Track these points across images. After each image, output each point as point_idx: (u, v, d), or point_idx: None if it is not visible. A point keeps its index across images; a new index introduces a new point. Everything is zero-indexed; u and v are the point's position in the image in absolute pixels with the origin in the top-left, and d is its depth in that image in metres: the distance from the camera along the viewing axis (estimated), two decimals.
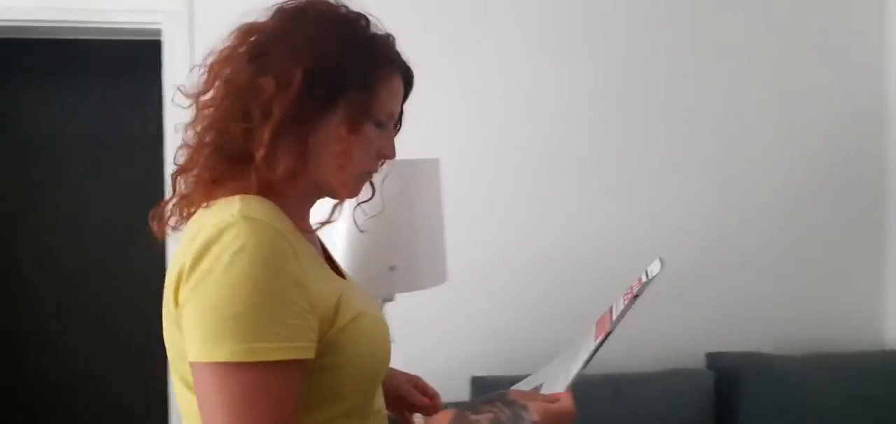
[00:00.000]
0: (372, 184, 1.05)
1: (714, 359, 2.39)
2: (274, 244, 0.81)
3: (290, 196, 0.92)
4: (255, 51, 0.90)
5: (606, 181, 2.49)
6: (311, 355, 0.83)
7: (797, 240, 2.60)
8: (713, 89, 2.53)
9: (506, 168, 2.44)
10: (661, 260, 0.99)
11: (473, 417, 0.89)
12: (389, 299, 1.48)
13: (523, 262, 2.44)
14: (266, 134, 0.86)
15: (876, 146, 2.62)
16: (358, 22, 0.94)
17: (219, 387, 0.78)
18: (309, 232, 0.96)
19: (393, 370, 1.15)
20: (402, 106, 1.01)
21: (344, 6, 0.95)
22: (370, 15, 0.96)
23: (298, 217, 0.94)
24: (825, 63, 2.58)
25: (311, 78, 0.88)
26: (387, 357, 0.97)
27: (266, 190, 0.88)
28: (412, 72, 1.00)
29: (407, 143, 2.35)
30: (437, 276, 1.47)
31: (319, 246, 1.02)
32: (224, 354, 0.77)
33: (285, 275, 0.81)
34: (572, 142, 2.47)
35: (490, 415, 0.89)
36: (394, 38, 0.98)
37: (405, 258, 1.39)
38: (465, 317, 2.40)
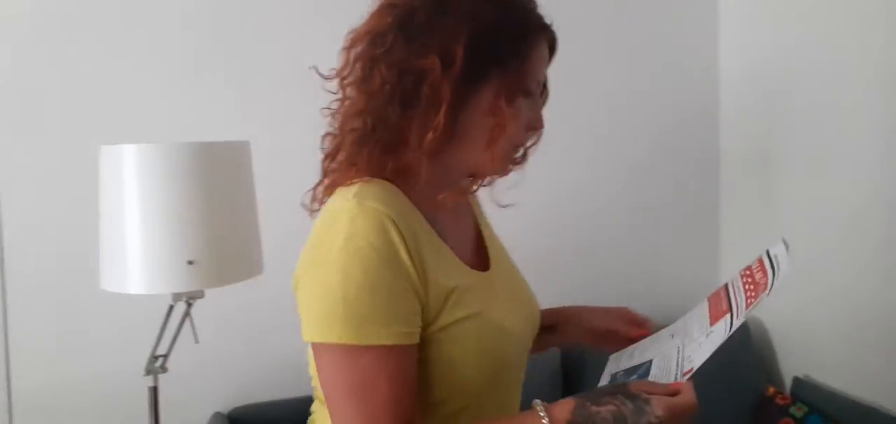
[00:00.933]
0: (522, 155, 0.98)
1: None
2: (383, 232, 0.82)
3: (429, 175, 0.89)
4: (411, 29, 0.85)
5: None
6: (414, 342, 0.84)
7: (640, 218, 2.69)
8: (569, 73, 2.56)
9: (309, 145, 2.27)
10: (786, 242, 0.98)
11: (595, 408, 0.85)
12: (196, 297, 1.37)
13: None
14: (440, 119, 0.83)
15: (711, 130, 2.77)
16: (505, 9, 0.88)
17: (332, 367, 0.84)
18: (443, 212, 0.93)
19: (601, 309, 1.18)
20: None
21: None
22: None
23: (432, 198, 0.91)
24: (665, 51, 2.69)
25: (471, 52, 0.83)
26: (500, 363, 0.94)
27: (403, 172, 0.87)
28: (555, 33, 0.94)
29: (212, 125, 2.21)
30: (250, 268, 1.37)
31: (467, 224, 1.01)
32: (335, 336, 0.82)
33: (393, 264, 0.82)
34: None
35: (612, 407, 0.85)
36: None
37: (210, 251, 1.28)
38: None
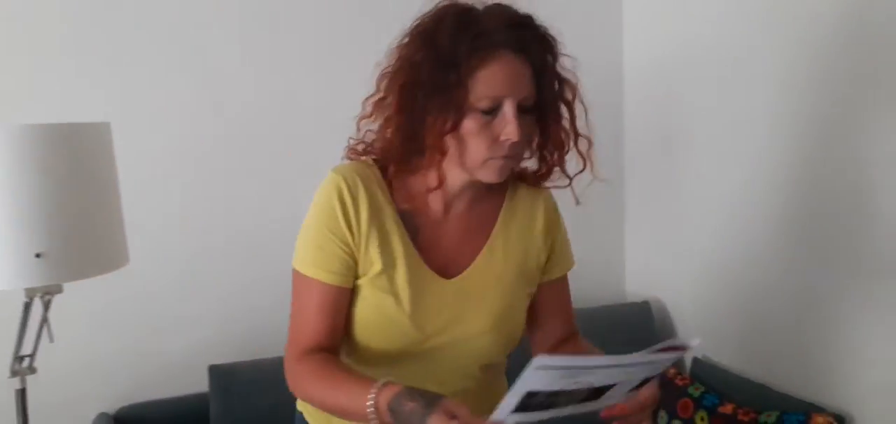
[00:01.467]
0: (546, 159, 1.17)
1: None
2: (333, 192, 1.06)
3: (428, 181, 1.08)
4: (383, 70, 1.08)
5: (308, 151, 2.27)
6: (332, 282, 1.06)
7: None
8: None
9: (195, 136, 2.16)
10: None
11: (405, 402, 0.91)
12: (53, 292, 1.26)
13: (233, 238, 2.24)
14: (390, 135, 1.06)
15: (615, 118, 2.79)
16: (444, 22, 1.01)
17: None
18: (425, 216, 1.10)
19: None
20: (533, 71, 1.04)
21: (439, 14, 1.02)
22: (465, 4, 1.03)
23: (422, 198, 1.09)
24: (573, 45, 2.65)
25: (405, 92, 1.02)
26: (395, 348, 1.09)
27: (401, 173, 1.08)
28: (521, 29, 1.02)
29: (67, 105, 2.06)
30: (112, 260, 1.27)
31: (461, 237, 1.13)
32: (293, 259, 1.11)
33: (330, 219, 1.06)
34: (261, 108, 2.23)
35: (413, 405, 0.90)
36: (495, 20, 1.01)
37: (63, 242, 1.17)
38: (200, 303, 2.20)
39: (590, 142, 1.18)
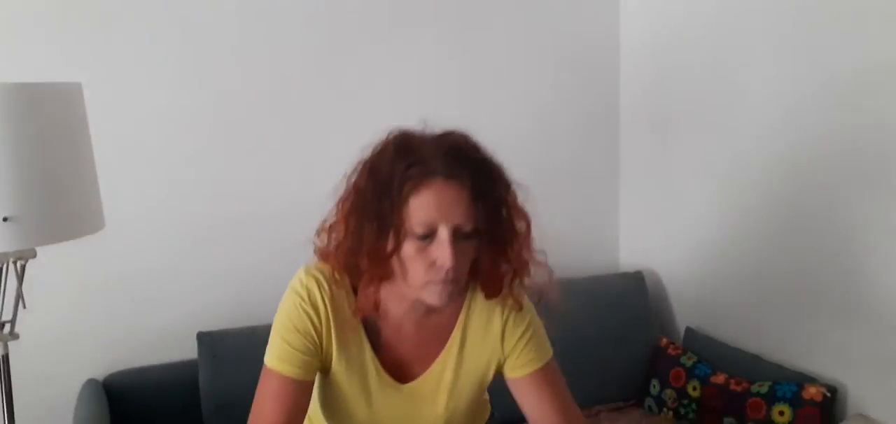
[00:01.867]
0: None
1: None
2: (303, 291, 1.13)
3: (384, 296, 1.13)
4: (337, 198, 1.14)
5: (297, 119, 2.29)
6: (292, 375, 1.12)
7: (546, 174, 2.66)
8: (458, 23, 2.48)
9: (183, 102, 2.13)
10: None
11: None
12: (26, 256, 1.25)
13: (208, 204, 2.21)
14: (340, 256, 1.12)
15: (612, 92, 2.75)
16: (387, 150, 1.07)
17: None
18: (386, 323, 1.17)
19: None
20: (465, 197, 1.05)
21: (394, 139, 1.08)
22: (407, 132, 1.09)
23: (396, 301, 1.14)
24: (570, 20, 2.65)
25: (351, 218, 1.08)
26: (346, 420, 1.21)
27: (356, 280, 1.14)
28: (454, 157, 1.05)
29: (35, 65, 2.02)
30: (87, 223, 1.25)
31: (419, 345, 1.19)
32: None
33: (298, 317, 1.13)
34: (250, 75, 2.20)
35: None
36: (425, 145, 1.06)
37: (33, 205, 1.15)
38: (188, 271, 2.19)
39: (541, 264, 1.21)
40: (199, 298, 2.19)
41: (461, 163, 1.05)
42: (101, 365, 2.07)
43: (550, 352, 1.29)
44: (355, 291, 1.14)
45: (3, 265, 1.31)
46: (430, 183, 1.03)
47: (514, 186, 1.13)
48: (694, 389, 2.27)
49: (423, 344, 1.19)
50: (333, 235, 1.12)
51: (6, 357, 1.57)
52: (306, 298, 1.13)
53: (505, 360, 1.23)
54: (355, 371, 1.17)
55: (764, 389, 2.09)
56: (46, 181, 1.16)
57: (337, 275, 1.12)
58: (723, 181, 2.38)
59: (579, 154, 2.73)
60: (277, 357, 1.12)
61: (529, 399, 1.24)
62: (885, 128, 1.87)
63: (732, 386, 2.17)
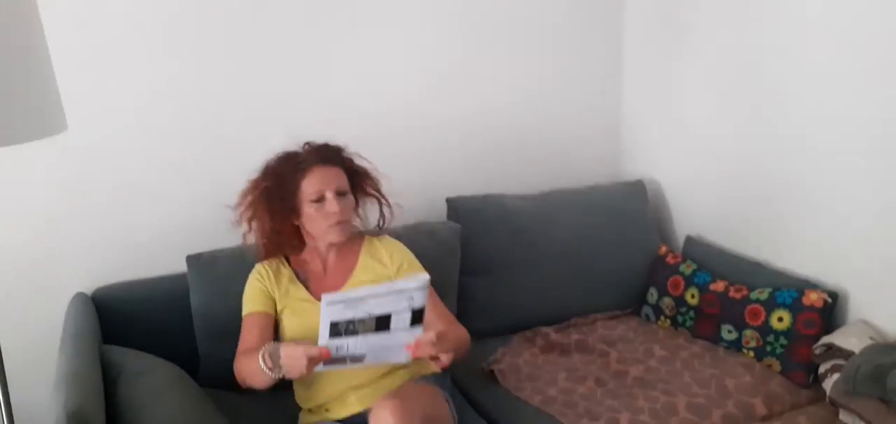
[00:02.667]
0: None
1: (453, 203, 2.33)
2: (255, 272, 1.80)
3: (304, 246, 1.81)
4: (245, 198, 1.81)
5: (288, 22, 2.19)
6: (257, 309, 1.76)
7: (540, 83, 2.57)
8: None
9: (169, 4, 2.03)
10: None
11: (273, 348, 1.56)
12: None
13: (212, 117, 2.14)
14: (263, 237, 1.80)
15: None
16: (278, 163, 1.77)
17: None
18: (309, 267, 1.81)
19: None
20: (342, 170, 1.76)
21: (279, 157, 1.77)
22: (299, 148, 1.79)
23: (303, 258, 1.82)
24: None
25: (271, 202, 1.74)
26: (302, 333, 1.71)
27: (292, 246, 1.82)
28: (324, 152, 1.76)
29: None
30: (46, 124, 1.17)
31: (336, 275, 1.80)
32: None
33: (253, 283, 1.78)
34: None
35: (275, 345, 1.57)
36: (309, 146, 1.78)
37: None
38: (175, 181, 2.12)
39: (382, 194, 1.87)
40: (187, 212, 2.13)
41: (330, 153, 1.76)
42: (89, 280, 2.03)
43: (427, 275, 1.66)
44: (289, 262, 1.81)
45: None
46: (314, 168, 1.71)
47: (370, 168, 1.83)
48: (692, 297, 2.24)
49: (338, 278, 1.78)
50: (255, 225, 1.78)
51: None
52: (257, 272, 1.80)
53: (397, 272, 1.78)
54: (297, 304, 1.76)
55: (764, 295, 2.06)
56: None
57: (277, 259, 1.81)
58: (727, 86, 2.29)
59: (581, 57, 2.62)
60: (247, 306, 1.77)
61: None
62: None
63: (732, 293, 2.14)
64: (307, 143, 1.78)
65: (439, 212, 2.35)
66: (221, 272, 1.96)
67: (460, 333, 1.75)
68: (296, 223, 1.74)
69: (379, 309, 1.42)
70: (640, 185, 2.56)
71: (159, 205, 2.12)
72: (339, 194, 1.71)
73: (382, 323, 1.44)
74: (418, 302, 1.44)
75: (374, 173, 1.83)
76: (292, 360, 1.48)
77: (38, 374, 1.94)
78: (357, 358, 1.50)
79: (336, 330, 1.43)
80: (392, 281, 1.49)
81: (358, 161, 1.81)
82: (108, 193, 2.05)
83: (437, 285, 2.09)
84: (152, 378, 1.66)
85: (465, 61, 2.44)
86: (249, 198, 1.76)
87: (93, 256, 2.06)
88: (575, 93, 2.64)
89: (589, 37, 2.62)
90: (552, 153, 2.65)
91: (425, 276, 1.42)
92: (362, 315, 1.42)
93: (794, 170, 2.10)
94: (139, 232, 2.10)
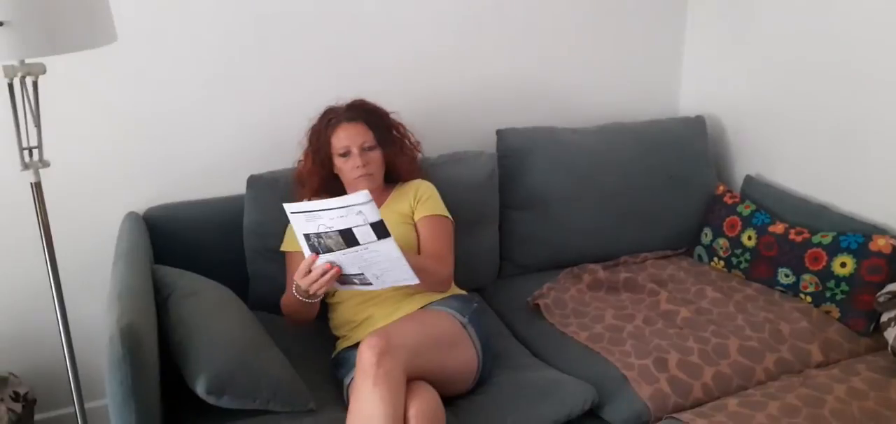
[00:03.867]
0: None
1: (503, 134, 2.28)
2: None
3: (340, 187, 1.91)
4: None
5: None
6: (295, 249, 1.77)
7: (599, 23, 2.46)
8: None
9: None
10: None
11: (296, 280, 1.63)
12: (36, 71, 1.17)
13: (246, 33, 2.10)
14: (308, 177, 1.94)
15: None
16: (319, 117, 1.93)
17: None
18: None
19: None
20: (362, 129, 1.86)
21: (323, 112, 1.93)
22: (332, 105, 1.93)
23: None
24: None
25: (310, 149, 1.92)
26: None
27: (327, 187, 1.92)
28: (350, 110, 1.90)
29: None
30: (96, 34, 1.15)
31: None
32: None
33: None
34: None
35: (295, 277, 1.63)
36: (339, 107, 1.92)
37: (29, 8, 1.05)
38: (230, 103, 2.12)
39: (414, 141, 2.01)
40: (241, 133, 2.14)
41: (357, 110, 1.89)
42: (141, 199, 2.06)
43: (446, 213, 1.89)
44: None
45: (10, 80, 1.24)
46: (340, 125, 1.86)
47: (392, 114, 1.95)
48: (749, 238, 2.15)
49: None
50: (299, 167, 1.95)
51: (38, 185, 1.54)
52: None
53: (414, 209, 1.88)
54: None
55: (827, 239, 1.96)
56: None
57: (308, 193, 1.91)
58: (796, 19, 2.14)
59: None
60: (287, 244, 1.90)
61: (421, 234, 1.85)
62: None
63: (792, 236, 2.05)
64: (344, 105, 1.92)
65: (491, 146, 2.30)
66: (279, 192, 1.97)
67: (439, 270, 1.76)
68: (331, 169, 1.88)
69: (338, 224, 1.46)
70: (700, 121, 2.45)
71: (209, 129, 2.11)
72: (365, 149, 1.83)
73: (348, 237, 1.48)
74: (370, 215, 1.44)
75: (395, 120, 1.94)
76: (301, 277, 1.57)
77: (93, 289, 2.00)
78: (364, 280, 1.58)
79: (311, 242, 1.52)
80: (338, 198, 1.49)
81: (387, 116, 1.92)
82: (160, 116, 2.06)
83: (474, 215, 2.10)
84: (203, 299, 1.68)
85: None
86: (304, 143, 1.94)
87: (145, 177, 2.08)
88: (635, 25, 2.52)
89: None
90: (609, 88, 2.55)
91: (364, 192, 1.42)
92: (325, 228, 1.48)
93: (863, 108, 1.98)
94: (189, 156, 2.11)
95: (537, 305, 2.03)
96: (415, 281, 1.55)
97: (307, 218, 1.49)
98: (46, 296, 1.63)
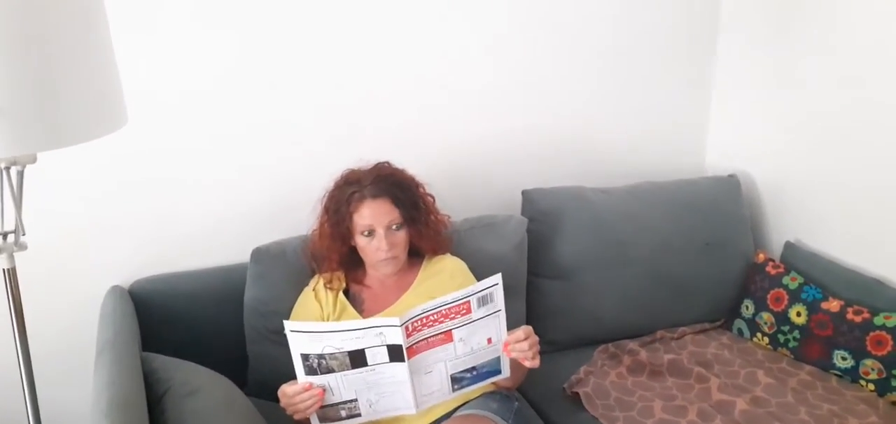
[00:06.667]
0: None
1: (529, 196, 2.08)
2: (308, 288, 1.71)
3: (361, 271, 1.71)
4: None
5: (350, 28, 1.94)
6: None
7: (626, 80, 2.29)
8: None
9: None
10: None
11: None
12: (23, 163, 0.94)
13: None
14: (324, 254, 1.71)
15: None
16: (339, 184, 1.68)
17: None
18: (365, 289, 1.70)
19: None
20: (390, 207, 1.62)
21: (343, 176, 1.68)
22: (354, 169, 1.68)
23: (361, 280, 1.71)
24: None
25: (328, 221, 1.67)
26: None
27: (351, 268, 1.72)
28: (377, 184, 1.62)
29: None
30: (105, 121, 0.93)
31: (389, 295, 1.68)
32: None
33: (304, 298, 1.69)
34: None
35: None
36: (362, 175, 1.65)
37: (28, 95, 0.82)
38: (222, 172, 1.88)
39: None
40: (238, 198, 1.90)
41: (383, 184, 1.63)
42: (127, 270, 1.81)
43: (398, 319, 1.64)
44: (346, 278, 1.70)
45: None
46: (365, 202, 1.61)
47: (421, 185, 1.71)
48: (798, 314, 1.98)
49: (392, 293, 1.68)
50: (313, 237, 1.71)
51: (12, 271, 1.30)
52: (313, 288, 1.69)
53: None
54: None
55: (892, 321, 1.80)
56: (45, 68, 0.83)
57: (324, 280, 1.68)
58: (840, 68, 1.99)
59: (667, 54, 2.33)
60: (294, 318, 1.66)
61: None
62: None
63: (850, 316, 1.88)
64: (370, 168, 1.68)
65: (515, 208, 2.10)
66: (287, 267, 1.76)
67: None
68: (350, 244, 1.66)
69: (350, 345, 1.32)
70: (733, 181, 2.29)
71: (205, 189, 1.88)
72: (391, 228, 1.62)
73: (357, 358, 1.34)
74: (391, 338, 1.31)
75: (423, 192, 1.71)
76: (282, 398, 1.41)
77: (71, 376, 1.75)
78: (353, 410, 1.41)
79: (309, 362, 1.35)
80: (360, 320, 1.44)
81: (416, 188, 1.70)
82: (148, 175, 1.81)
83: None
84: (204, 399, 1.44)
85: (545, 60, 2.17)
86: (318, 211, 1.71)
87: (130, 245, 1.83)
88: (659, 74, 2.36)
89: (677, 33, 2.32)
90: (636, 144, 2.37)
91: (396, 318, 1.28)
92: (332, 349, 1.33)
93: None
94: (181, 220, 1.87)
95: (575, 393, 1.82)
96: (413, 411, 1.40)
97: (311, 338, 1.34)
98: (17, 386, 1.39)
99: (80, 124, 0.88)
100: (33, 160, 0.98)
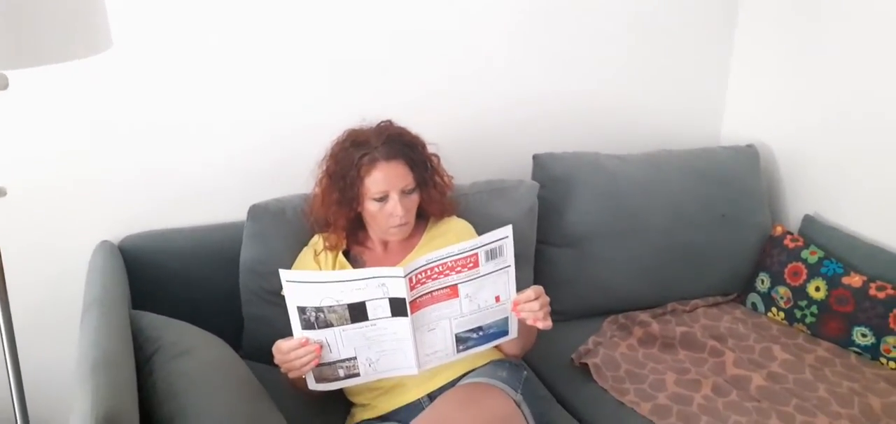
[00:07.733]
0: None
1: (540, 160, 2.00)
2: (308, 245, 1.62)
3: (364, 233, 1.61)
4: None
5: None
6: None
7: (644, 46, 2.19)
8: None
9: None
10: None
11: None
12: None
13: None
14: (322, 217, 1.60)
15: None
16: (344, 145, 1.53)
17: None
18: (366, 252, 1.61)
19: None
20: (404, 170, 1.51)
21: (347, 136, 1.54)
22: (357, 129, 1.55)
23: (362, 242, 1.61)
24: None
25: (333, 186, 1.54)
26: None
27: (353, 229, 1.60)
28: (390, 146, 1.49)
29: None
30: (87, 42, 0.84)
31: (391, 259, 1.58)
32: None
33: (303, 255, 1.61)
34: None
35: None
36: (370, 135, 1.51)
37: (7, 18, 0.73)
38: (220, 123, 1.78)
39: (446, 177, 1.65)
40: (236, 152, 1.80)
41: (396, 144, 1.50)
42: (117, 225, 1.72)
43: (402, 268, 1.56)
44: (346, 237, 1.59)
45: None
46: (378, 164, 1.48)
47: (426, 144, 1.58)
48: (817, 289, 1.90)
49: (397, 255, 1.59)
50: (314, 201, 1.60)
51: None
52: (313, 248, 1.60)
53: None
54: None
55: None
56: None
57: (325, 239, 1.59)
58: (863, 38, 1.89)
59: (685, 21, 2.23)
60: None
61: None
62: None
63: (873, 292, 1.80)
64: (375, 127, 1.55)
65: (526, 173, 2.01)
66: (286, 226, 1.68)
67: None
68: (358, 210, 1.54)
69: (351, 296, 1.24)
70: (751, 151, 2.20)
71: (202, 142, 1.79)
72: (404, 193, 1.51)
73: (357, 311, 1.26)
74: (394, 290, 1.23)
75: (430, 153, 1.60)
76: (276, 354, 1.33)
77: (53, 330, 1.67)
78: (351, 369, 1.33)
79: (306, 316, 1.27)
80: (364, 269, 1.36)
81: (424, 148, 1.58)
82: (141, 124, 1.72)
83: None
84: (195, 361, 1.36)
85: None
86: (321, 171, 1.58)
87: (122, 199, 1.74)
88: (676, 39, 2.25)
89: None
90: (652, 111, 2.28)
91: (400, 269, 1.21)
92: (332, 301, 1.25)
93: None
94: (176, 173, 1.78)
95: (584, 364, 1.74)
96: (415, 371, 1.32)
97: (309, 289, 1.25)
98: None
99: (56, 41, 0.79)
100: (6, 85, 0.89)
